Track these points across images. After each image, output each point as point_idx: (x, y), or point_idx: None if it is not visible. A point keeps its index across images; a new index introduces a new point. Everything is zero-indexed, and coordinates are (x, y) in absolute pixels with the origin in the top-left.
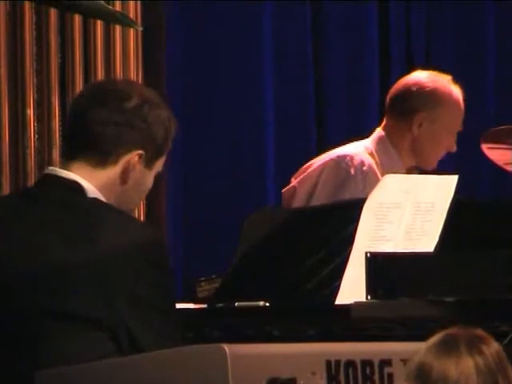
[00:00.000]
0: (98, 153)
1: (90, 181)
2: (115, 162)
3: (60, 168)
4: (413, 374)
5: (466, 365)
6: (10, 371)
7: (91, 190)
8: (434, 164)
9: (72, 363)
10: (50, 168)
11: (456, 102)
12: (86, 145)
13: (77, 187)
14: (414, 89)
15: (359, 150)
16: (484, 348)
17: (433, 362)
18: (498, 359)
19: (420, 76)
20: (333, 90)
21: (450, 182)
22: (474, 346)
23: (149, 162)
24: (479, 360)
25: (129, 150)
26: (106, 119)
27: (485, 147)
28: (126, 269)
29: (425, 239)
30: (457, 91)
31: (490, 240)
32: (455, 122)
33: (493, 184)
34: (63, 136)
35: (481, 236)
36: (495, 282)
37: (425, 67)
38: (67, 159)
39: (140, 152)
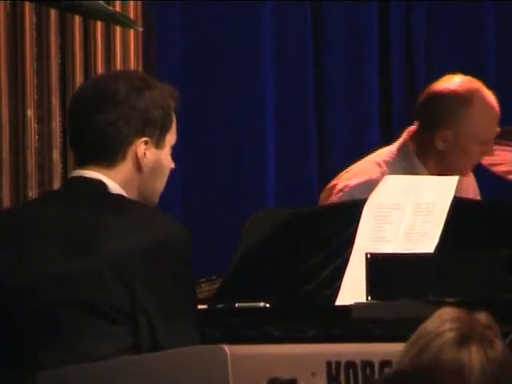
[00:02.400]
0: (104, 156)
1: (110, 180)
2: (123, 158)
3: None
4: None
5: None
6: (21, 372)
7: (114, 187)
8: (465, 172)
9: (86, 359)
10: (75, 171)
11: (479, 110)
12: (92, 152)
13: (101, 185)
14: (436, 101)
15: (365, 174)
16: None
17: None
18: (506, 357)
19: (442, 86)
20: (333, 90)
21: (451, 182)
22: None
23: (158, 143)
24: (490, 354)
25: (132, 142)
26: (102, 123)
27: None
28: (149, 261)
29: (425, 240)
30: (480, 98)
31: (490, 241)
32: (482, 131)
33: (493, 184)
34: (70, 144)
35: (481, 237)
36: (495, 283)
37: (425, 67)
38: (80, 166)
39: (144, 139)
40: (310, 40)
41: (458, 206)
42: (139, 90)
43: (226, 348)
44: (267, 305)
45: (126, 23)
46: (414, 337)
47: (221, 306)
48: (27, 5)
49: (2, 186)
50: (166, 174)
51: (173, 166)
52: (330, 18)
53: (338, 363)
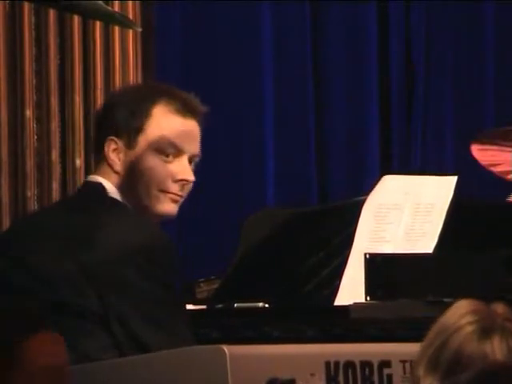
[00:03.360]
0: (95, 155)
1: (108, 181)
2: (102, 158)
3: None
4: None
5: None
6: None
7: (111, 189)
8: None
9: (72, 356)
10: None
11: None
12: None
13: (99, 188)
14: None
15: None
16: None
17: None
18: None
19: None
20: (332, 89)
21: (450, 182)
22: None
23: (129, 144)
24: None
25: (103, 142)
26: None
27: (475, 148)
28: (125, 266)
29: (424, 240)
30: None
31: (489, 240)
32: None
33: (492, 184)
34: None
35: (480, 237)
36: (495, 283)
37: (424, 67)
38: None
39: (110, 138)
40: (309, 40)
41: (458, 205)
42: (118, 93)
43: (225, 348)
44: (266, 305)
45: (125, 23)
46: (432, 332)
47: (220, 306)
48: (26, 5)
49: (1, 186)
50: (152, 179)
51: (184, 176)
52: (329, 17)
53: (336, 363)
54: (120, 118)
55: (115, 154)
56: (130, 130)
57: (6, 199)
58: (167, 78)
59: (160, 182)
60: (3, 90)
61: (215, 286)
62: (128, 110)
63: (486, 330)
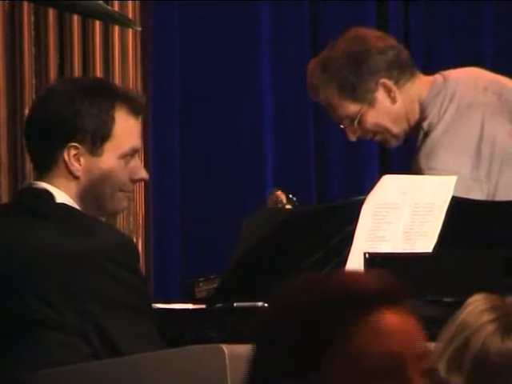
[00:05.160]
0: (39, 161)
1: (55, 188)
2: (54, 163)
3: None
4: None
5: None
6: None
7: (59, 195)
8: None
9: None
10: (26, 182)
11: None
12: (32, 157)
13: (46, 194)
14: None
15: None
16: None
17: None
18: None
19: None
20: None
21: (449, 182)
22: None
23: (93, 151)
24: None
25: (59, 148)
26: (32, 127)
27: None
28: (90, 271)
29: (423, 240)
30: None
31: (488, 240)
32: None
33: None
34: None
35: (479, 236)
36: (494, 283)
37: (424, 67)
38: (34, 176)
39: (72, 144)
40: (308, 40)
41: (457, 205)
42: (72, 97)
43: (225, 348)
44: (265, 305)
45: (124, 23)
46: (451, 329)
47: (219, 305)
48: (25, 4)
49: (0, 186)
50: (113, 182)
51: (141, 176)
52: (328, 18)
53: None
54: (85, 123)
55: (75, 159)
56: (96, 137)
57: (5, 199)
58: (167, 77)
59: (122, 183)
60: (2, 89)
61: (214, 285)
62: (92, 116)
63: (507, 327)
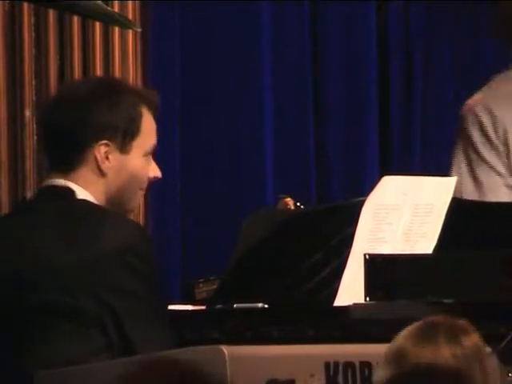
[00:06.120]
0: (63, 160)
1: (76, 185)
2: (83, 161)
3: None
4: (389, 358)
5: (442, 354)
6: (2, 371)
7: (81, 192)
8: None
9: (60, 360)
10: (45, 181)
11: None
12: (54, 157)
13: (67, 192)
14: None
15: None
16: (463, 339)
17: (410, 347)
18: (476, 351)
19: None
20: (331, 90)
21: (449, 183)
22: (453, 336)
23: (122, 148)
24: (456, 350)
25: (90, 146)
26: (57, 126)
27: None
28: (112, 264)
29: (423, 241)
30: None
31: (488, 241)
32: None
33: None
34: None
35: (479, 237)
36: (494, 284)
37: (424, 67)
38: (50, 172)
39: (103, 142)
40: (308, 40)
41: (457, 206)
42: (100, 95)
43: (225, 349)
44: (265, 305)
45: (124, 24)
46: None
47: (219, 306)
48: (26, 5)
49: (0, 186)
50: (137, 180)
51: (156, 174)
52: (328, 18)
53: (336, 364)
54: (116, 121)
55: (105, 157)
56: (126, 134)
57: (5, 199)
58: (167, 78)
59: (144, 181)
60: (2, 90)
61: (214, 286)
62: (122, 113)
63: (427, 334)
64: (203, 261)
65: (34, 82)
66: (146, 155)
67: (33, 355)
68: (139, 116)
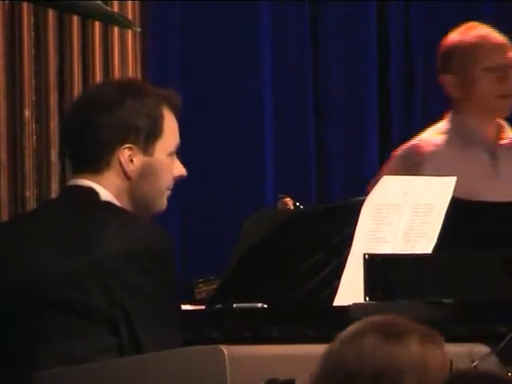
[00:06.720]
0: (90, 163)
1: (101, 187)
2: (108, 164)
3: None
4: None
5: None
6: (11, 371)
7: (105, 194)
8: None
9: (71, 359)
10: (71, 180)
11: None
12: (80, 159)
13: (91, 193)
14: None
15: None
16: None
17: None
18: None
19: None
20: (332, 90)
21: (449, 183)
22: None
23: (146, 150)
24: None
25: (115, 149)
26: (84, 130)
27: None
28: (127, 264)
29: (423, 241)
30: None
31: (488, 241)
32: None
33: None
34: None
35: (479, 237)
36: (494, 284)
37: (424, 67)
38: (74, 174)
39: (127, 146)
40: (308, 40)
41: (457, 206)
42: (123, 98)
43: (224, 349)
44: (265, 305)
45: (124, 23)
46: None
47: (219, 306)
48: (25, 5)
49: (0, 186)
50: (163, 181)
51: (181, 173)
52: (328, 18)
53: None
54: (138, 123)
55: (129, 160)
56: (149, 136)
57: (5, 199)
58: (166, 78)
59: (170, 181)
60: (2, 89)
61: (214, 286)
62: (143, 115)
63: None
64: (203, 261)
65: (33, 82)
66: (170, 155)
67: (46, 354)
68: (161, 117)
